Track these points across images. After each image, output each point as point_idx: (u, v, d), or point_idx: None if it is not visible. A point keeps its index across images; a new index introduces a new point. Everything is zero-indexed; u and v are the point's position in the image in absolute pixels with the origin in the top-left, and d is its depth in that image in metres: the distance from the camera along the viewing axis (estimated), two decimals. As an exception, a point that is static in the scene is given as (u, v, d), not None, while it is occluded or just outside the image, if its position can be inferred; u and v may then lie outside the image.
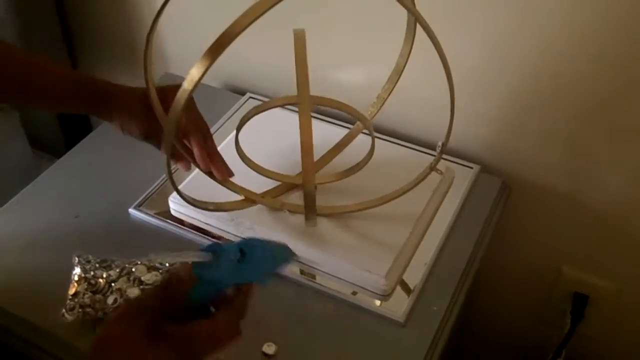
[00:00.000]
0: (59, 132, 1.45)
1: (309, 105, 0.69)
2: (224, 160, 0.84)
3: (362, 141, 0.95)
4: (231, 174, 0.85)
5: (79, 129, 1.42)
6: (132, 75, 1.36)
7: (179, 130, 0.81)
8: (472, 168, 1.01)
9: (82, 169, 1.02)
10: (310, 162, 0.70)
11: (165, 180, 0.97)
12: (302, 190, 0.91)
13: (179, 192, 0.80)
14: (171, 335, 0.53)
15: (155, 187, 0.96)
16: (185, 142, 0.83)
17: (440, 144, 0.79)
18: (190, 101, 0.82)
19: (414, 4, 0.72)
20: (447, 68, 0.66)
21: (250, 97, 1.14)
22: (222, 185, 0.85)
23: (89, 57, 1.39)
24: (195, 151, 0.82)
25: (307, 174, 0.72)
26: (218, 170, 0.84)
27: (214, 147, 0.85)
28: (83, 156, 1.04)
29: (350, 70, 1.08)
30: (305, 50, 0.71)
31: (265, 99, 1.13)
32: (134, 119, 0.82)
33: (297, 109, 1.05)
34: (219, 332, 0.55)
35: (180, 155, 0.84)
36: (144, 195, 0.95)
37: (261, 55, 1.11)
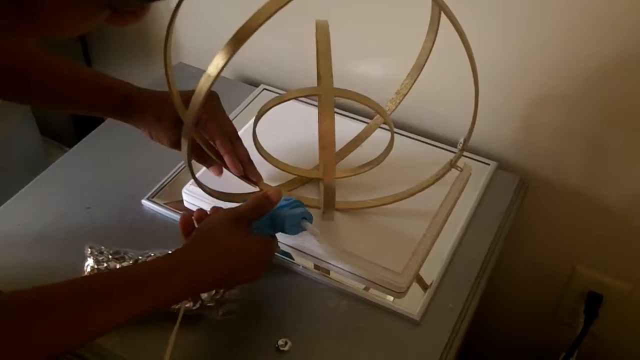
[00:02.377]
0: (69, 121, 1.44)
1: (331, 98, 0.68)
2: (254, 165, 0.85)
3: (378, 135, 0.94)
4: (261, 178, 0.86)
5: (89, 117, 1.41)
6: (145, 68, 1.35)
7: (207, 134, 0.82)
8: (488, 164, 1.00)
9: (93, 159, 1.01)
10: (331, 155, 0.69)
11: (179, 172, 0.96)
12: (318, 184, 0.91)
13: (199, 184, 0.80)
14: (260, 238, 0.76)
15: (168, 178, 0.95)
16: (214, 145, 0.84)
17: (462, 140, 0.77)
18: (216, 105, 0.83)
19: None
20: (473, 61, 0.65)
21: (265, 89, 1.13)
22: (243, 180, 0.86)
23: (102, 49, 1.38)
24: (226, 158, 0.83)
25: (327, 167, 0.70)
26: (251, 175, 0.86)
27: (245, 152, 0.85)
28: (95, 146, 1.03)
29: (367, 63, 1.06)
30: (329, 41, 0.69)
31: (280, 91, 1.12)
32: (163, 128, 0.83)
33: (311, 101, 1.05)
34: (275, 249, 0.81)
35: (211, 160, 0.85)
36: (157, 187, 0.94)
37: (276, 46, 1.10)
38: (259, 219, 0.76)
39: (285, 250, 0.86)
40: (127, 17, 0.47)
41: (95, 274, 0.65)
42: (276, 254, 0.85)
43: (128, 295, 0.64)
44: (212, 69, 0.58)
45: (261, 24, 0.55)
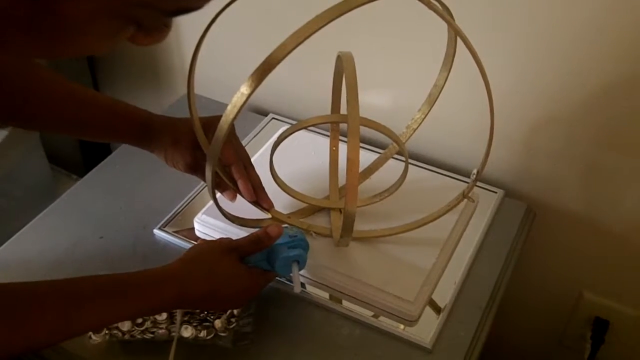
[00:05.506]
0: (77, 149, 1.45)
1: (358, 126, 0.69)
2: (266, 191, 0.86)
3: (389, 165, 0.95)
4: (272, 205, 0.87)
5: (97, 145, 1.42)
6: (154, 97, 1.36)
7: (222, 160, 0.83)
8: (496, 193, 1.01)
9: (105, 188, 1.01)
10: (355, 182, 0.70)
11: (190, 201, 0.97)
12: (328, 213, 0.92)
13: (223, 213, 0.82)
14: (250, 270, 0.77)
15: (180, 207, 0.96)
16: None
17: (475, 171, 0.78)
18: (231, 131, 0.84)
19: (452, 18, 0.72)
20: (490, 94, 0.66)
21: (273, 118, 1.14)
22: (254, 205, 0.87)
23: (110, 79, 1.40)
24: (240, 183, 0.84)
25: (351, 193, 0.71)
26: (263, 201, 0.86)
27: (257, 178, 0.86)
28: (106, 175, 1.04)
29: (375, 93, 1.08)
30: (355, 71, 0.71)
31: (289, 120, 1.13)
32: (179, 151, 0.84)
33: (320, 130, 1.07)
34: (264, 284, 0.81)
35: (225, 185, 0.86)
36: (168, 216, 0.95)
37: (284, 76, 1.12)
38: (255, 253, 0.78)
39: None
40: (152, 34, 0.47)
41: (87, 277, 0.68)
42: (289, 283, 0.86)
43: (115, 300, 0.68)
44: (245, 88, 0.59)
45: (288, 53, 0.57)
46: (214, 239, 0.81)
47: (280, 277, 0.85)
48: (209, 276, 0.74)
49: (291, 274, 0.80)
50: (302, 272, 0.83)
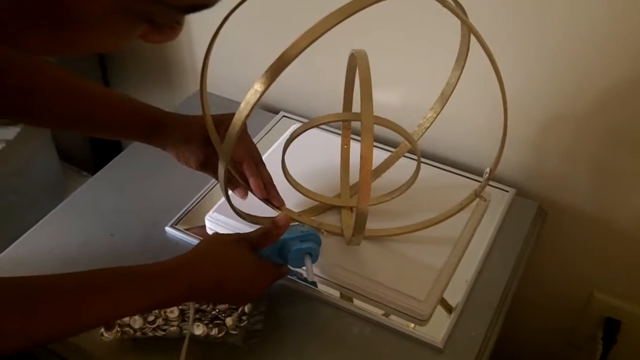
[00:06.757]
0: (88, 146, 1.45)
1: (372, 124, 0.69)
2: (277, 189, 0.87)
3: (400, 163, 0.95)
4: (283, 203, 0.87)
5: (108, 143, 1.42)
6: (165, 95, 1.36)
7: (233, 157, 0.83)
8: (507, 191, 1.00)
9: (116, 186, 1.02)
10: (368, 179, 0.70)
11: (201, 198, 0.97)
12: (339, 211, 0.92)
13: (235, 210, 0.82)
14: (259, 261, 0.78)
15: (191, 205, 0.96)
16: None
17: (487, 170, 0.78)
18: (243, 129, 0.84)
19: (466, 14, 0.71)
20: (503, 92, 0.66)
21: (284, 116, 1.14)
22: (265, 203, 0.87)
23: (121, 72, 1.40)
24: (251, 181, 0.84)
25: (363, 191, 0.71)
26: (274, 199, 0.86)
27: (268, 176, 0.86)
28: (117, 173, 1.04)
29: (385, 91, 1.08)
30: (369, 68, 0.71)
31: (300, 118, 1.13)
32: (190, 149, 0.84)
33: (330, 128, 1.06)
34: (276, 277, 0.82)
35: (236, 182, 0.86)
36: (180, 213, 0.95)
37: (295, 74, 1.11)
38: (267, 246, 0.78)
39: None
40: (164, 32, 0.47)
41: (101, 269, 0.68)
42: (299, 280, 0.86)
43: (128, 290, 0.68)
44: (259, 85, 0.59)
45: (302, 50, 0.57)
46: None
47: (291, 275, 0.84)
48: (219, 266, 0.74)
49: (303, 267, 0.80)
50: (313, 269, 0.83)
